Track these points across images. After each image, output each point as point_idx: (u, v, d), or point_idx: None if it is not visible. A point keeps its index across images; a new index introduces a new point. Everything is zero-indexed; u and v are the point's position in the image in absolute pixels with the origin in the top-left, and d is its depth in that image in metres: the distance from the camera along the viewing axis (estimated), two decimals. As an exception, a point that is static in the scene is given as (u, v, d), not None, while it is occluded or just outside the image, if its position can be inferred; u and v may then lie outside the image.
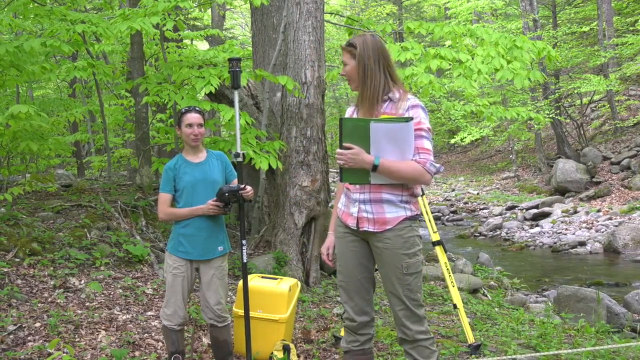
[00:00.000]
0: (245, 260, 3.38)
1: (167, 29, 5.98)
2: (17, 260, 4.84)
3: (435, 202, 18.82)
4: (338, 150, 2.56)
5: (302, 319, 4.70)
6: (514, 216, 14.97)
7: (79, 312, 4.23)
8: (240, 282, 3.67)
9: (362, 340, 2.76)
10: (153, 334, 4.09)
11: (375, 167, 2.50)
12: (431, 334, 2.69)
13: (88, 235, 5.55)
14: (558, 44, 18.74)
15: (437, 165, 2.57)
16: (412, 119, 2.53)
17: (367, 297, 2.75)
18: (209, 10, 17.58)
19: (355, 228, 2.65)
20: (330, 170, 8.75)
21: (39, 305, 4.23)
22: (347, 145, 2.52)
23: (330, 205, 6.04)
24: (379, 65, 2.62)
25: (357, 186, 2.64)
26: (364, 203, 2.62)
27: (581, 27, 18.00)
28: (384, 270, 2.65)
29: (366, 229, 2.62)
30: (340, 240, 2.77)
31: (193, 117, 3.25)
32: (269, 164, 5.53)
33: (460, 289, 6.22)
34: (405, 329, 2.64)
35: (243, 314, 3.38)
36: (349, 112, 2.83)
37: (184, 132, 3.27)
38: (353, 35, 2.73)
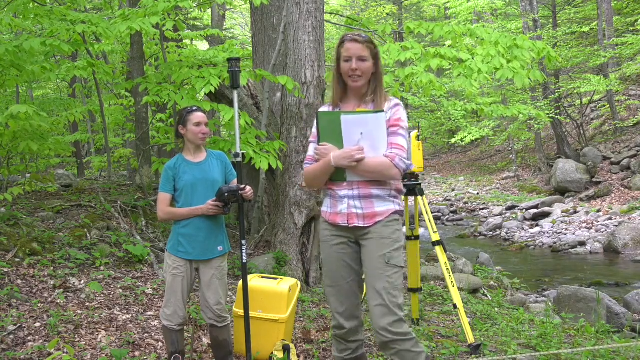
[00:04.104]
0: (245, 260, 3.38)
1: (167, 29, 5.99)
2: (17, 260, 4.84)
3: (435, 202, 18.81)
4: (315, 146, 2.63)
5: (302, 319, 4.70)
6: (514, 216, 14.96)
7: (79, 312, 4.22)
8: (240, 282, 3.67)
9: (354, 347, 2.70)
10: (153, 334, 4.08)
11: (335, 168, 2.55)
12: (413, 335, 2.54)
13: (88, 235, 5.55)
14: (558, 44, 18.73)
15: (408, 162, 2.58)
16: (382, 111, 2.55)
17: (357, 302, 2.70)
18: (209, 10, 17.57)
19: (346, 225, 2.61)
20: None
21: (39, 305, 4.22)
22: (323, 143, 2.59)
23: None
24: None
25: (344, 183, 2.60)
26: (353, 199, 2.59)
27: (581, 27, 17.98)
28: (368, 263, 2.59)
29: (356, 224, 2.59)
30: (326, 243, 2.70)
31: (200, 116, 3.29)
32: (269, 164, 5.53)
33: (460, 289, 6.22)
34: (382, 330, 2.48)
35: (243, 314, 3.38)
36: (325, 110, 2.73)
37: (191, 131, 3.27)
38: (353, 33, 2.69)
